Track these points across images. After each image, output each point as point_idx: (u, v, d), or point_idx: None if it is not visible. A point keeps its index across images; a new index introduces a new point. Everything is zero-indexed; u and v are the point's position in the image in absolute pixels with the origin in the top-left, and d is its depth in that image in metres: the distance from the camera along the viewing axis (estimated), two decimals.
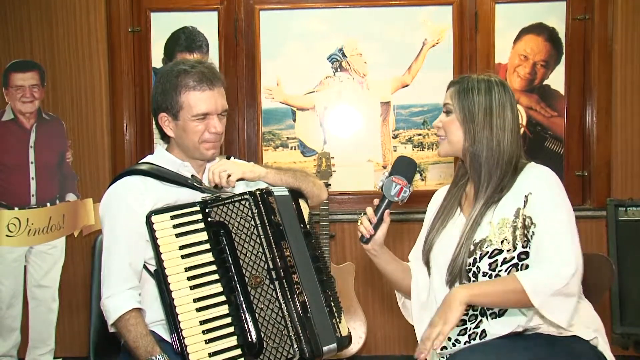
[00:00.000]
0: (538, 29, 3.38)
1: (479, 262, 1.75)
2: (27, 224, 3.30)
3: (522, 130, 3.37)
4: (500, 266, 1.72)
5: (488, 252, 1.74)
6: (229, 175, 1.92)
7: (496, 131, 1.77)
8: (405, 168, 1.79)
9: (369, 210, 1.81)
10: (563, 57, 3.37)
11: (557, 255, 1.64)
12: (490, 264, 1.73)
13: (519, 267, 1.71)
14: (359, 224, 1.83)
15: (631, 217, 2.88)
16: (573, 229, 1.69)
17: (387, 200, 1.78)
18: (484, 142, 1.77)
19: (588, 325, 1.76)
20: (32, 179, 3.34)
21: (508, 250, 1.72)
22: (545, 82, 3.39)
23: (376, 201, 1.82)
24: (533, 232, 1.70)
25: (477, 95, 1.78)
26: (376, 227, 1.81)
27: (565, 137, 3.39)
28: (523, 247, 1.71)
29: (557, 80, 3.39)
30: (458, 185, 1.91)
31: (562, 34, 3.36)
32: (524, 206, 1.73)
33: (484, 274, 1.75)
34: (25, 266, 3.33)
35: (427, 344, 1.58)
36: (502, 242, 1.73)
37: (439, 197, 1.98)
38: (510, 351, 1.67)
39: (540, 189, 1.72)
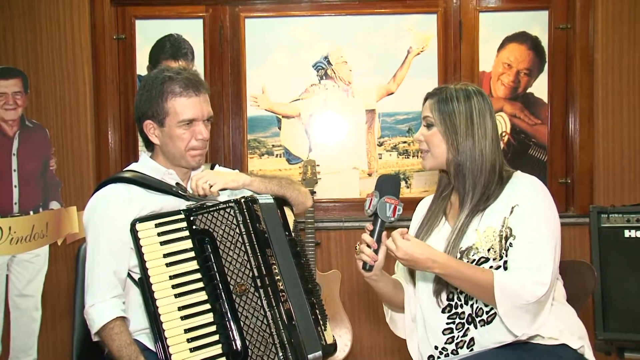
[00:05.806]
0: (521, 37, 3.41)
1: None
2: (9, 233, 3.27)
3: (506, 137, 3.40)
4: None
5: (475, 259, 1.74)
6: (211, 186, 1.92)
7: (478, 140, 1.78)
8: (392, 186, 1.76)
9: (367, 237, 1.75)
10: (546, 65, 3.40)
11: (536, 273, 1.65)
12: None
13: None
14: (357, 253, 1.78)
15: (613, 224, 2.90)
16: (554, 245, 1.70)
17: (381, 222, 1.75)
18: (467, 152, 1.77)
19: (574, 332, 1.76)
20: (15, 186, 3.30)
21: (494, 259, 1.72)
22: (529, 90, 3.42)
23: (369, 226, 1.76)
24: (511, 243, 1.71)
25: (457, 105, 1.78)
26: (376, 251, 1.76)
27: (549, 144, 3.42)
28: (507, 256, 1.72)
29: (540, 88, 3.41)
30: (442, 196, 1.91)
31: (544, 43, 3.40)
32: (510, 216, 1.74)
33: None
34: (7, 275, 3.29)
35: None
36: (488, 250, 1.73)
37: (423, 207, 1.97)
38: None
39: (526, 202, 1.73)
